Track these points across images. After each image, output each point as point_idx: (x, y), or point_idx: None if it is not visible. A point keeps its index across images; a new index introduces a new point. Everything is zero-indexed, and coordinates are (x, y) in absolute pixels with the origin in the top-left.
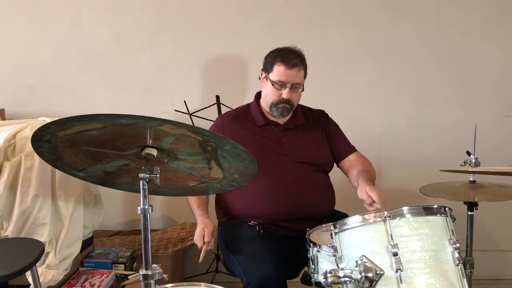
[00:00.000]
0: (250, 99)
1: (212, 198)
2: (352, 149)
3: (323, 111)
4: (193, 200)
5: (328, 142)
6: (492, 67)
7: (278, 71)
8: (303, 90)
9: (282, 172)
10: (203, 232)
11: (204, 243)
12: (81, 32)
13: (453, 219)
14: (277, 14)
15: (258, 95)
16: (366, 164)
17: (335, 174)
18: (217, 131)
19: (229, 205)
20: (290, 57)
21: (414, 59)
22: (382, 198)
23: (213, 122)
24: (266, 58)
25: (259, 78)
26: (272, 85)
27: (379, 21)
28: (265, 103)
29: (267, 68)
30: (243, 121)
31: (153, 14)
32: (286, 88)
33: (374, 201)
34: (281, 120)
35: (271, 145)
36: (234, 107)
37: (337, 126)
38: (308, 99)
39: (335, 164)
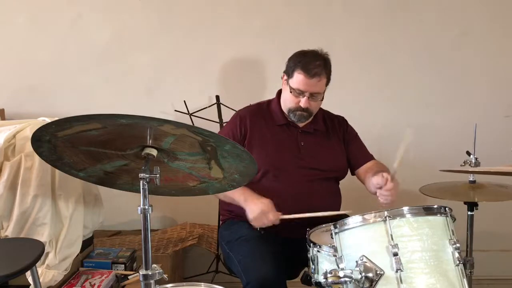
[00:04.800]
0: (250, 98)
1: (214, 197)
2: (369, 157)
3: (343, 118)
4: (234, 192)
5: (345, 150)
6: (492, 67)
7: (298, 79)
8: (322, 99)
9: (295, 177)
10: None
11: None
12: (81, 32)
13: (453, 219)
14: (277, 14)
15: (280, 93)
16: (383, 167)
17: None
18: (235, 125)
19: (234, 204)
20: (312, 65)
21: (414, 59)
22: (397, 184)
23: (213, 123)
24: (289, 60)
25: (282, 78)
26: (290, 91)
27: (379, 21)
28: (283, 106)
29: (289, 72)
30: (262, 118)
31: (153, 14)
32: (304, 96)
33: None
34: (301, 123)
35: (288, 146)
36: (234, 107)
37: (356, 133)
38: None
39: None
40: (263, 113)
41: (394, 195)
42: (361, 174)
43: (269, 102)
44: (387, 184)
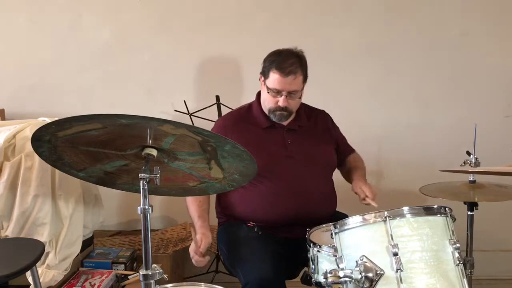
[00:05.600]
0: (250, 99)
1: (212, 197)
2: (351, 151)
3: (324, 111)
4: (193, 209)
5: (332, 142)
6: (492, 67)
7: (273, 79)
8: (301, 97)
9: (287, 176)
10: (199, 243)
11: (200, 255)
12: (81, 32)
13: (453, 219)
14: (277, 14)
15: (259, 95)
16: (357, 160)
17: (336, 174)
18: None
19: (230, 206)
20: (286, 63)
21: (414, 59)
22: (375, 194)
23: (213, 123)
24: (264, 61)
25: (260, 80)
26: (268, 92)
27: (379, 21)
28: (263, 107)
29: (265, 73)
30: (246, 123)
31: (153, 14)
32: (282, 96)
33: (366, 196)
34: (285, 122)
35: (276, 147)
36: (234, 107)
37: (338, 127)
38: (309, 99)
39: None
40: (246, 118)
41: (375, 197)
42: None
43: (249, 105)
44: (367, 199)
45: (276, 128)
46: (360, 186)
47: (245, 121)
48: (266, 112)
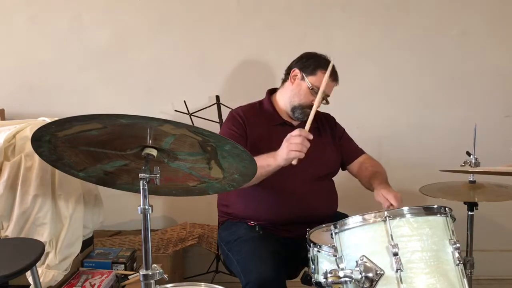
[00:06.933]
0: (250, 99)
1: (214, 197)
2: (360, 152)
3: (330, 115)
4: (262, 160)
5: (337, 145)
6: (492, 67)
7: (321, 79)
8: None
9: (290, 176)
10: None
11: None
12: (81, 32)
13: (453, 219)
14: (277, 14)
15: (270, 92)
16: (376, 165)
17: (336, 175)
18: (237, 121)
19: (231, 205)
20: (334, 69)
21: (414, 59)
22: (399, 199)
23: (213, 123)
24: (306, 58)
25: (286, 74)
26: (311, 88)
27: (378, 21)
28: (287, 102)
29: (307, 69)
30: (257, 117)
31: (153, 14)
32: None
33: (391, 204)
34: (295, 122)
35: None
36: (233, 107)
37: (344, 130)
38: None
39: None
40: (257, 113)
41: (400, 202)
42: (353, 170)
43: (260, 102)
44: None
45: (286, 127)
46: (382, 194)
47: (256, 116)
48: (289, 107)
